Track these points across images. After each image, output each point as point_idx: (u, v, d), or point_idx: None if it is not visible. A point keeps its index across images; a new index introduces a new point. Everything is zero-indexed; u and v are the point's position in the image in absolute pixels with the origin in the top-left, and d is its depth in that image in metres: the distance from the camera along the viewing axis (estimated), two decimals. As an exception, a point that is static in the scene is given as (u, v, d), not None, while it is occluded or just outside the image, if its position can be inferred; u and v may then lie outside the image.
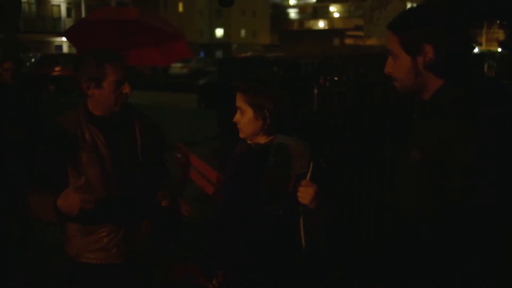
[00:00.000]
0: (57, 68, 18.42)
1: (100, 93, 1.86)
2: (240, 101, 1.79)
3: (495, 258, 1.18)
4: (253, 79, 1.84)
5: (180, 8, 45.68)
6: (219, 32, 52.95)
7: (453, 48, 1.28)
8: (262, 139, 1.81)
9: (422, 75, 1.32)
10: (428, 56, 1.29)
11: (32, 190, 1.90)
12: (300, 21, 69.33)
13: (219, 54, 43.63)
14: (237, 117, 1.81)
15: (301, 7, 70.46)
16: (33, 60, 21.39)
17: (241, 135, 1.83)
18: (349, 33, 53.84)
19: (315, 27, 65.78)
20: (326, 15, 68.22)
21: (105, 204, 1.83)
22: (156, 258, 2.14)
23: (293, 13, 70.68)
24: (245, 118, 1.78)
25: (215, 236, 1.93)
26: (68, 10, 36.25)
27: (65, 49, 34.26)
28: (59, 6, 35.92)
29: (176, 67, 25.71)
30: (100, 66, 1.83)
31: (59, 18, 35.21)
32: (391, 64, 1.38)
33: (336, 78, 4.04)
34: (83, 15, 31.21)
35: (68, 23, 32.46)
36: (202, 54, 41.39)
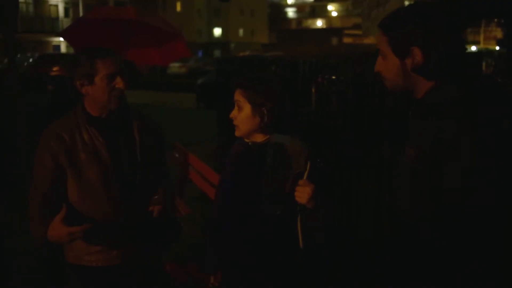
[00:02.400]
0: (55, 68, 18.37)
1: (93, 89, 1.86)
2: (239, 96, 1.77)
3: (495, 258, 1.19)
4: (253, 77, 1.82)
5: (178, 7, 45.62)
6: (217, 31, 52.90)
7: (443, 50, 1.27)
8: (259, 138, 1.80)
9: (411, 77, 1.31)
10: (416, 59, 1.28)
11: (33, 201, 1.89)
12: (298, 20, 69.36)
13: (217, 53, 43.58)
14: (234, 113, 1.78)
15: (299, 6, 70.48)
16: (30, 60, 21.33)
17: (237, 133, 1.80)
18: (347, 31, 53.78)
19: (313, 26, 65.77)
20: (324, 14, 68.26)
21: (96, 227, 1.82)
22: (156, 259, 2.14)
23: (291, 12, 70.69)
24: (243, 114, 1.76)
25: (214, 236, 1.92)
26: (66, 10, 36.16)
27: (63, 49, 34.18)
28: (56, 6, 35.83)
29: (175, 67, 25.67)
30: (91, 62, 1.84)
31: (57, 18, 35.12)
32: (381, 63, 1.37)
33: (334, 77, 4.04)
34: (81, 15, 31.13)
35: (66, 23, 32.40)
36: (200, 54, 41.36)
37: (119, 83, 1.87)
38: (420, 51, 1.27)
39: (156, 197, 1.96)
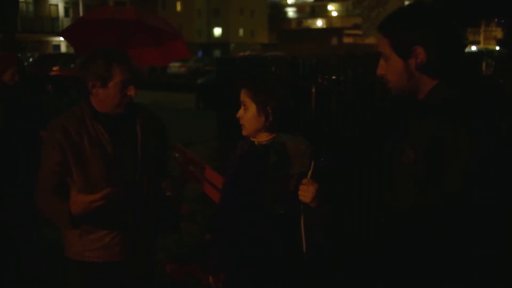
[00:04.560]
0: (55, 68, 18.39)
1: (105, 93, 1.86)
2: (244, 97, 1.79)
3: (495, 258, 1.19)
4: (257, 76, 1.83)
5: (178, 7, 45.60)
6: (217, 31, 52.93)
7: (445, 48, 1.28)
8: (264, 137, 1.81)
9: (415, 77, 1.32)
10: (419, 58, 1.29)
11: (43, 195, 1.88)
12: (298, 20, 69.41)
13: (217, 53, 43.62)
14: (241, 112, 1.81)
15: (299, 6, 70.53)
16: (31, 60, 21.35)
17: (244, 132, 1.83)
18: (347, 32, 53.83)
19: (313, 26, 65.83)
20: (324, 14, 68.32)
21: (112, 200, 1.81)
22: (157, 258, 2.14)
23: (291, 12, 70.74)
24: (249, 114, 1.78)
25: (216, 235, 1.93)
26: (66, 9, 36.20)
27: (63, 48, 34.21)
28: (56, 5, 35.86)
29: (174, 67, 25.67)
30: (108, 66, 1.83)
31: (57, 17, 35.15)
32: (384, 66, 1.37)
33: (334, 77, 4.04)
34: (81, 14, 31.12)
35: (66, 22, 32.44)
36: (200, 54, 41.38)
37: (131, 90, 1.88)
38: (423, 50, 1.28)
39: (164, 184, 1.98)
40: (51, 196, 1.86)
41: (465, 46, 1.33)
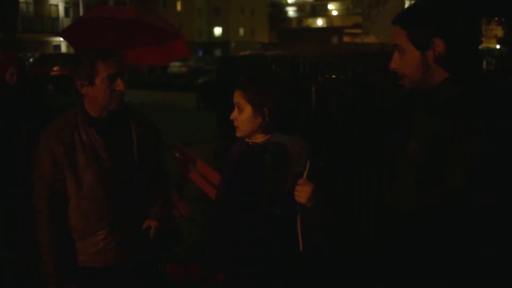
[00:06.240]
0: (55, 68, 18.38)
1: (93, 90, 1.86)
2: (239, 98, 1.76)
3: (495, 258, 1.18)
4: (253, 77, 1.80)
5: (179, 7, 45.57)
6: (218, 30, 52.92)
7: (463, 41, 1.27)
8: (259, 138, 1.79)
9: (430, 70, 1.31)
10: (438, 50, 1.28)
11: (42, 227, 1.90)
12: (299, 19, 69.37)
13: (217, 52, 43.57)
14: (235, 114, 1.77)
15: (299, 5, 70.49)
16: (31, 60, 21.35)
17: (238, 134, 1.80)
18: (347, 30, 53.78)
19: (314, 25, 65.78)
20: (325, 13, 68.27)
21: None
22: (155, 259, 2.14)
23: (291, 11, 70.70)
24: (244, 116, 1.75)
25: (216, 235, 1.92)
26: (66, 9, 36.22)
27: (63, 48, 34.24)
28: (57, 5, 35.89)
29: (175, 66, 25.63)
30: (92, 64, 1.83)
31: (57, 17, 35.19)
32: (398, 60, 1.35)
33: (334, 76, 4.04)
34: (81, 14, 31.13)
35: (66, 22, 32.47)
36: (200, 53, 41.34)
37: (119, 85, 1.87)
38: (443, 42, 1.27)
39: (154, 210, 1.96)
40: (47, 219, 1.88)
41: (481, 42, 1.32)
